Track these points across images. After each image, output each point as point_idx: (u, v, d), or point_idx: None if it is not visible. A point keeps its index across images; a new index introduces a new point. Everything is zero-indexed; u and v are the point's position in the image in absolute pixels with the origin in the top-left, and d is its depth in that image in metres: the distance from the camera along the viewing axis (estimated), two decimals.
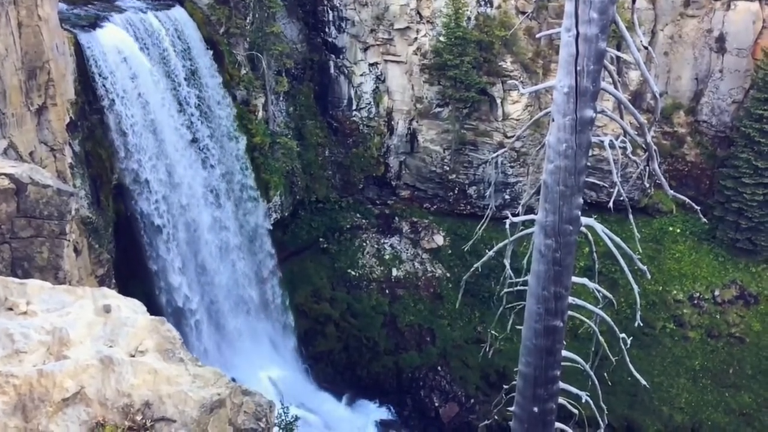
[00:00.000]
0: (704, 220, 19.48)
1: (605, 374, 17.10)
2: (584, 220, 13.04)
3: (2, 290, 9.61)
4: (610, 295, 15.10)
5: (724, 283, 45.98)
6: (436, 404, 44.08)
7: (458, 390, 44.26)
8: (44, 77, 26.02)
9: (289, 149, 44.03)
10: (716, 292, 45.84)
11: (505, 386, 16.24)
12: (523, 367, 14.13)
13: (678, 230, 47.82)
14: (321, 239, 47.72)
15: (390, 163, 49.32)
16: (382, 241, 48.47)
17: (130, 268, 33.72)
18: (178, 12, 36.75)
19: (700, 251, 47.09)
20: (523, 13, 43.83)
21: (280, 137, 43.65)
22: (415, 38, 45.88)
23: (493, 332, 21.49)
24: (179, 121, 36.01)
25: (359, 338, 45.35)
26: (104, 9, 33.64)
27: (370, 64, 47.17)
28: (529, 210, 15.52)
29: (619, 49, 35.11)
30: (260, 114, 42.44)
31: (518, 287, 14.87)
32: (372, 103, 48.04)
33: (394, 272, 47.41)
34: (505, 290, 15.49)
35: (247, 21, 41.14)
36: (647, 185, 13.59)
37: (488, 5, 44.66)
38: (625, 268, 14.11)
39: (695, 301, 45.75)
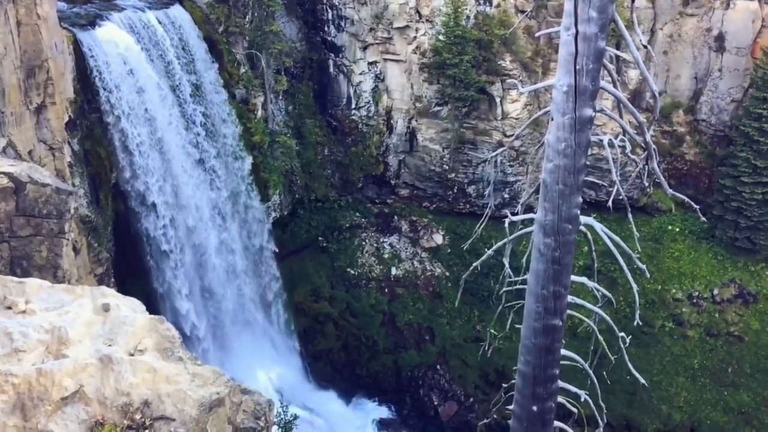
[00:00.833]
0: (703, 219, 19.50)
1: (604, 373, 17.10)
2: (583, 219, 13.04)
3: (1, 289, 9.61)
4: (609, 294, 15.10)
5: (723, 282, 46.02)
6: (436, 403, 44.11)
7: (457, 389, 44.29)
8: (43, 76, 25.99)
9: (289, 148, 44.03)
10: (715, 291, 45.87)
11: (504, 385, 16.24)
12: (522, 365, 14.14)
13: (677, 229, 47.86)
14: (320, 238, 47.72)
15: (389, 161, 49.32)
16: (381, 240, 48.48)
17: (130, 266, 33.70)
18: (177, 11, 36.66)
19: (699, 250, 47.13)
20: (523, 11, 43.82)
21: (279, 136, 43.64)
22: (415, 37, 45.86)
23: (492, 331, 21.52)
24: (186, 138, 35.75)
25: (358, 337, 45.36)
26: (103, 8, 33.58)
27: (370, 63, 47.16)
28: (529, 209, 15.53)
29: (618, 47, 35.13)
30: (259, 113, 42.43)
31: (517, 286, 14.87)
32: (371, 101, 48.03)
33: (394, 271, 47.42)
34: (505, 289, 15.48)
35: (246, 20, 41.13)
36: (646, 184, 13.57)
37: (487, 4, 44.65)
38: (624, 267, 14.11)
39: (694, 300, 45.79)
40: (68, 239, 17.57)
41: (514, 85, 26.59)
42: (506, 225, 14.20)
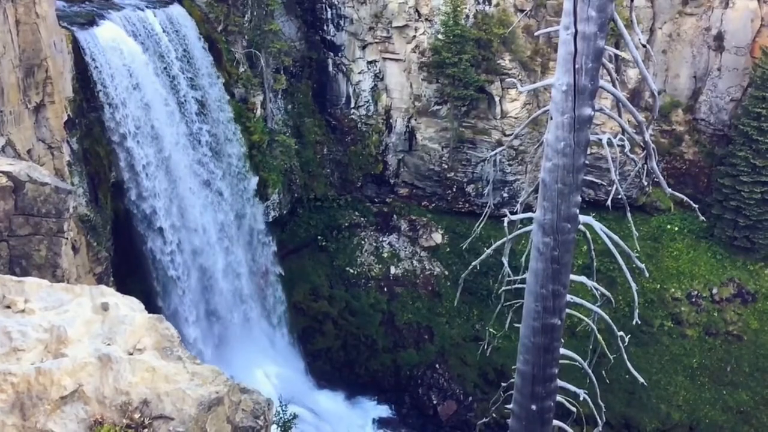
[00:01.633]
0: (702, 218, 19.50)
1: (603, 372, 17.10)
2: (582, 218, 13.04)
3: (0, 288, 9.60)
4: (608, 293, 15.11)
5: (722, 281, 46.05)
6: (435, 402, 44.11)
7: (456, 388, 44.30)
8: (42, 75, 25.96)
9: (288, 147, 44.02)
10: (714, 290, 45.90)
11: (503, 384, 16.25)
12: (522, 365, 14.14)
13: (676, 228, 47.88)
14: (319, 237, 47.72)
15: (388, 161, 49.32)
16: (380, 239, 48.48)
17: (129, 265, 33.67)
18: (177, 10, 36.60)
19: (698, 249, 47.15)
20: (522, 11, 43.82)
21: (278, 135, 43.61)
22: (414, 36, 45.84)
23: (491, 330, 21.49)
24: (194, 158, 35.51)
25: (357, 336, 45.37)
26: (102, 6, 33.53)
27: (369, 62, 47.14)
28: (528, 208, 15.54)
29: (617, 47, 35.13)
30: (258, 112, 42.42)
31: (516, 285, 14.87)
32: (370, 101, 48.02)
33: (393, 270, 47.42)
34: (504, 288, 15.48)
35: (246, 19, 41.12)
36: (645, 183, 13.59)
37: (487, 3, 44.64)
38: (624, 266, 14.12)
39: (693, 299, 45.82)
40: (67, 238, 17.56)
41: (514, 84, 26.63)
42: (505, 224, 14.20)
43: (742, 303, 45.58)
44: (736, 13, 44.69)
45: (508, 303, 15.94)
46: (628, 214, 14.76)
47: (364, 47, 46.76)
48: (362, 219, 49.10)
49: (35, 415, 8.11)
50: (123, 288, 17.79)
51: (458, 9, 43.55)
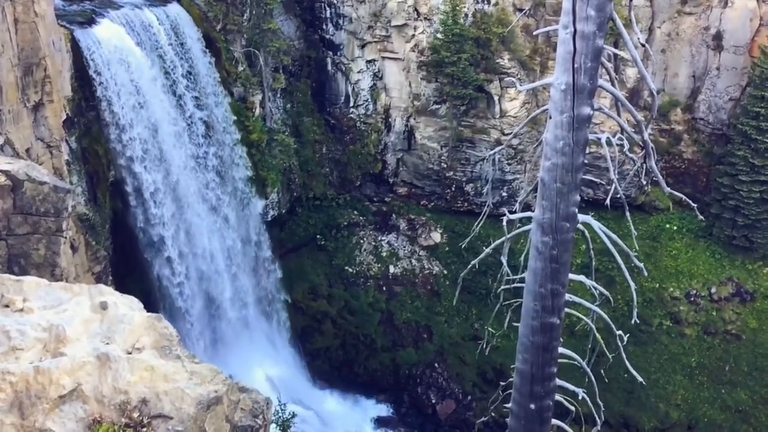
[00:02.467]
0: (701, 217, 19.53)
1: (602, 371, 17.14)
2: (581, 217, 13.04)
3: None
4: (606, 293, 15.12)
5: (721, 280, 46.08)
6: (433, 401, 44.12)
7: (455, 387, 44.31)
8: (41, 74, 25.93)
9: (287, 146, 44.00)
10: (713, 290, 45.93)
11: (502, 383, 16.26)
12: (520, 364, 14.15)
13: (675, 227, 47.91)
14: (318, 236, 47.69)
15: (387, 160, 49.31)
16: (379, 238, 48.47)
17: (128, 264, 33.65)
18: (175, 8, 36.54)
19: (697, 248, 47.18)
20: (521, 10, 43.81)
21: (277, 134, 43.59)
22: (413, 35, 45.82)
23: (490, 329, 21.52)
24: (202, 182, 35.31)
25: (356, 335, 45.36)
26: (101, 5, 33.48)
27: (368, 61, 47.12)
28: (527, 207, 15.54)
29: (616, 46, 35.15)
30: (257, 111, 42.39)
31: (515, 284, 14.88)
32: (369, 100, 47.99)
33: (392, 269, 47.42)
34: (502, 287, 15.50)
35: (245, 17, 41.08)
36: (644, 182, 13.59)
37: (485, 2, 44.63)
38: (622, 266, 14.13)
39: (692, 298, 45.84)
40: (66, 237, 17.55)
41: (513, 83, 26.62)
42: (504, 223, 14.21)
43: (741, 302, 45.61)
44: (735, 12, 44.70)
45: (507, 302, 15.96)
46: (627, 214, 14.78)
47: (363, 46, 46.74)
48: (361, 218, 49.09)
49: (34, 414, 8.11)
50: (122, 287, 17.79)
51: (457, 8, 43.54)
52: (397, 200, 49.91)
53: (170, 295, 33.92)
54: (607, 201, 13.95)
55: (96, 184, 31.46)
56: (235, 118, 38.67)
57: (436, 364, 44.95)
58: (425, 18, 45.24)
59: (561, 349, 14.16)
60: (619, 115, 13.31)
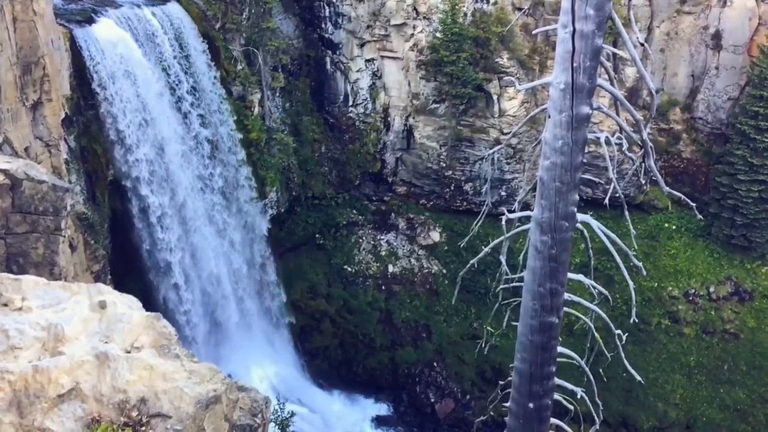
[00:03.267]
0: (699, 216, 19.56)
1: (600, 370, 17.16)
2: (580, 216, 13.05)
3: None
4: (605, 292, 15.13)
5: (719, 279, 46.10)
6: (432, 400, 44.14)
7: (454, 386, 44.32)
8: (39, 72, 25.91)
9: (285, 145, 43.98)
10: (711, 289, 45.96)
11: (501, 382, 16.26)
12: (519, 363, 14.16)
13: (673, 227, 47.93)
14: (317, 235, 47.68)
15: (386, 159, 49.29)
16: (378, 238, 48.47)
17: (126, 264, 33.64)
18: (175, 8, 36.48)
19: (696, 248, 47.21)
20: (520, 9, 43.80)
21: (276, 133, 43.57)
22: (412, 34, 45.81)
23: (488, 328, 21.49)
24: (209, 203, 35.15)
25: (355, 334, 45.37)
26: (99, 4, 33.44)
27: (367, 60, 47.09)
28: (525, 206, 15.55)
29: (615, 45, 35.13)
30: (256, 110, 42.37)
31: (514, 283, 14.89)
32: (368, 99, 47.97)
33: (391, 268, 47.41)
34: (501, 286, 15.50)
35: (243, 16, 41.06)
36: (643, 182, 13.59)
37: (485, 1, 44.62)
38: (621, 265, 14.13)
39: (690, 298, 45.88)
40: (64, 236, 17.55)
41: (512, 82, 26.62)
42: (503, 222, 14.21)
43: (739, 301, 45.64)
44: (734, 11, 44.71)
45: (505, 301, 15.95)
46: (626, 213, 14.79)
47: (362, 45, 46.72)
48: (360, 217, 49.08)
49: (32, 413, 8.11)
50: (121, 286, 17.80)
51: (456, 7, 43.53)
52: (396, 199, 49.91)
53: (173, 308, 33.91)
54: (606, 200, 13.97)
55: (95, 182, 31.44)
56: (241, 137, 38.54)
57: (435, 363, 44.97)
58: (424, 17, 45.22)
59: (560, 348, 14.17)
60: (618, 114, 13.31)
